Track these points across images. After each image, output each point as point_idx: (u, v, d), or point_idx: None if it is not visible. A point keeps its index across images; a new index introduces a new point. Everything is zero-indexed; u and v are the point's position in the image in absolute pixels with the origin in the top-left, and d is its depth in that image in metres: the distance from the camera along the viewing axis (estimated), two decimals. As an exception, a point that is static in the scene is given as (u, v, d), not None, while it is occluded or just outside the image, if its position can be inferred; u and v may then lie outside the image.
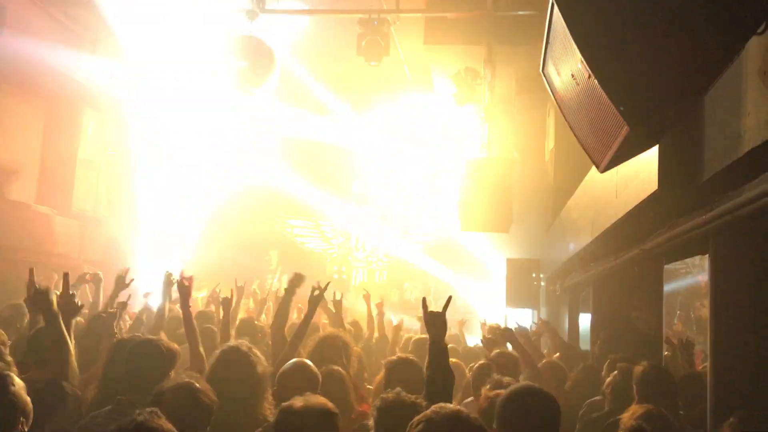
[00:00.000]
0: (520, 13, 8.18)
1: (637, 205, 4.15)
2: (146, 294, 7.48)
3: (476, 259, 13.60)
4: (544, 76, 3.03)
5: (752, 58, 2.59)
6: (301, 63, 10.62)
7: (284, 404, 2.57)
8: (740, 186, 3.07)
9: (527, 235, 12.03)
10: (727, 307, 3.81)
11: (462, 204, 10.79)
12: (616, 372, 4.10)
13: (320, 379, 3.32)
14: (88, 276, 6.46)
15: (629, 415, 3.39)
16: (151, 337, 3.75)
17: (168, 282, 5.05)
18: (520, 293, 11.55)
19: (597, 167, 2.98)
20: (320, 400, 2.62)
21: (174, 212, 12.40)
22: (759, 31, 2.44)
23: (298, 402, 2.54)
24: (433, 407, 2.14)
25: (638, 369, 3.95)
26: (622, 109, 2.31)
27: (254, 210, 14.22)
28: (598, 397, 4.44)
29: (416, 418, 2.10)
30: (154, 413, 2.12)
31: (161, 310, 5.33)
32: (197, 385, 2.80)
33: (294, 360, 3.44)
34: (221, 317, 5.04)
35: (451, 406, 2.20)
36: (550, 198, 10.21)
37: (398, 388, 2.80)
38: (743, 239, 3.69)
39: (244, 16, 8.42)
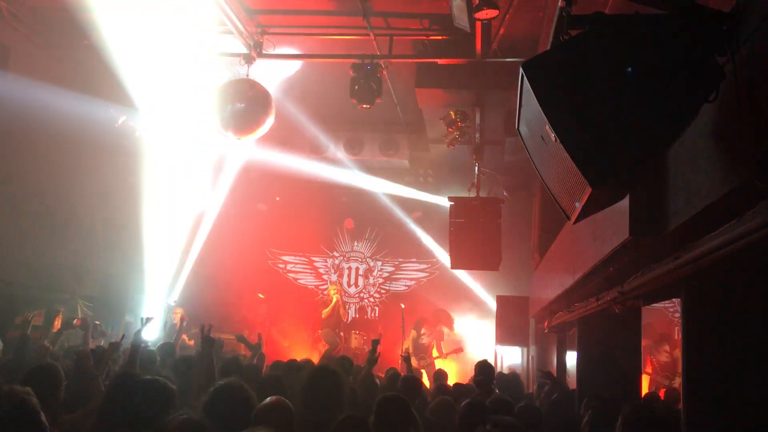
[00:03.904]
0: (507, 60, 8.48)
1: (613, 250, 4.37)
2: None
3: (467, 297, 13.76)
4: (519, 133, 3.26)
5: (705, 123, 2.83)
6: (295, 103, 10.89)
7: None
8: (702, 237, 3.29)
9: (517, 272, 12.25)
10: (699, 350, 4.00)
11: (453, 242, 11.03)
12: (591, 412, 4.27)
13: (293, 413, 3.49)
14: (76, 321, 6.64)
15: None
16: (151, 376, 3.90)
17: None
18: (510, 330, 11.72)
19: (568, 219, 3.20)
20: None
21: (166, 248, 12.57)
22: (710, 99, 2.69)
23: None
24: None
25: (622, 408, 4.10)
26: (585, 172, 2.52)
27: (245, 247, 14.38)
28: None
29: None
30: None
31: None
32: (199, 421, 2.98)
33: (272, 397, 3.60)
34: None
35: None
36: (537, 237, 10.42)
37: None
38: (712, 286, 3.89)
39: (241, 61, 8.73)
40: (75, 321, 6.83)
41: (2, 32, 8.37)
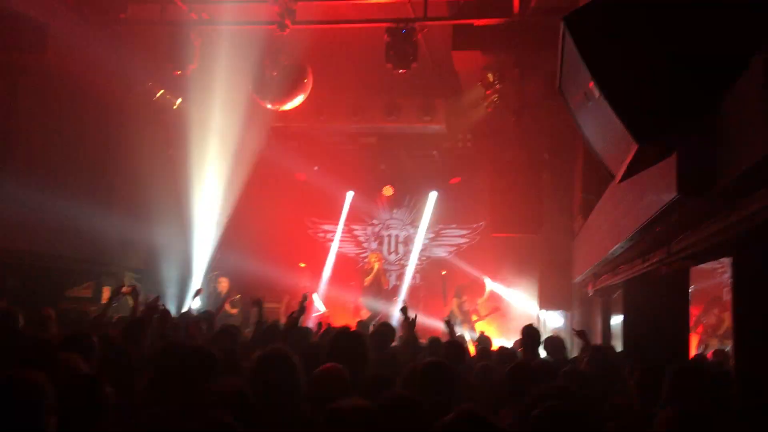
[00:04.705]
0: (547, 17, 8.24)
1: (660, 210, 4.24)
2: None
3: (509, 261, 13.65)
4: (561, 91, 3.16)
5: (756, 74, 2.68)
6: (331, 70, 10.81)
7: (332, 405, 2.70)
8: (753, 193, 3.16)
9: (559, 236, 12.08)
10: (750, 309, 3.89)
11: (493, 207, 10.92)
12: (638, 372, 4.19)
13: (348, 381, 3.46)
14: (125, 289, 6.74)
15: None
16: (198, 345, 3.95)
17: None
18: (552, 295, 11.64)
19: (613, 178, 3.10)
20: (363, 401, 2.77)
21: (208, 219, 12.72)
22: (762, 47, 2.55)
23: (344, 402, 2.68)
24: (455, 410, 2.25)
25: (669, 369, 4.00)
26: (631, 129, 2.43)
27: (285, 216, 14.47)
28: (621, 396, 4.52)
29: (436, 425, 2.20)
30: (227, 416, 2.25)
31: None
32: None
33: (328, 365, 3.59)
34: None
35: (471, 410, 2.28)
36: (579, 200, 10.25)
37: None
38: (764, 243, 3.76)
39: (276, 29, 8.67)
40: (124, 289, 6.94)
41: (39, 9, 8.44)
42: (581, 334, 7.49)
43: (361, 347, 4.11)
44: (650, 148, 2.68)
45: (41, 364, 2.91)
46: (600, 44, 2.53)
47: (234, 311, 11.69)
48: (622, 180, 3.06)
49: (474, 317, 12.72)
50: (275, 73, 8.44)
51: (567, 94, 3.07)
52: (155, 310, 5.54)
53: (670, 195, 3.92)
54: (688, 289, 5.72)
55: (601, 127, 2.79)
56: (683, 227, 4.52)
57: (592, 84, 2.56)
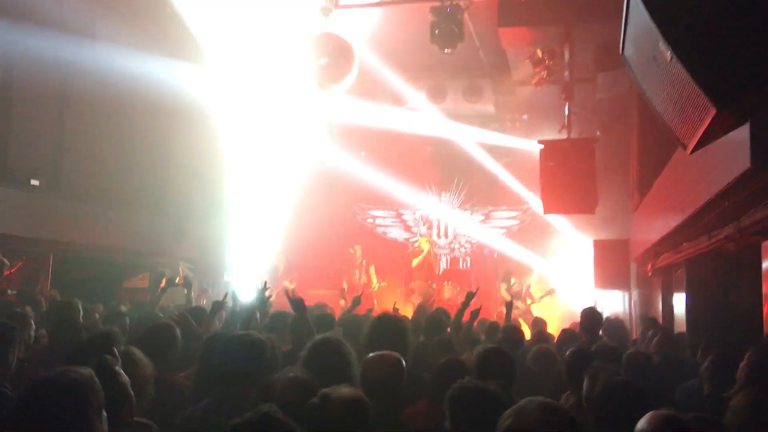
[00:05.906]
0: (598, -12, 7.93)
1: (730, 183, 3.99)
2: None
3: (562, 242, 13.35)
4: (624, 58, 2.95)
5: None
6: (375, 54, 10.67)
7: (322, 391, 2.57)
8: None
9: (614, 215, 11.74)
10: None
11: (544, 187, 10.62)
12: (712, 356, 3.97)
13: (404, 368, 3.33)
14: (178, 280, 6.78)
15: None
16: (242, 332, 3.88)
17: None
18: (609, 275, 11.30)
19: (684, 149, 2.89)
20: (354, 390, 2.65)
21: (259, 209, 12.78)
22: None
23: (331, 391, 2.56)
24: (523, 400, 2.13)
25: (747, 354, 3.77)
26: (708, 92, 2.23)
27: (334, 202, 14.43)
28: (692, 381, 4.32)
29: (505, 413, 2.09)
30: (273, 407, 2.17)
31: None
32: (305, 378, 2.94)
33: (380, 352, 3.48)
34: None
35: (540, 398, 2.18)
36: (636, 176, 9.90)
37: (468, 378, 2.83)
38: None
39: (319, 13, 8.57)
40: (177, 280, 7.00)
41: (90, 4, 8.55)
42: (652, 322, 7.19)
43: (401, 333, 3.98)
44: (726, 115, 2.46)
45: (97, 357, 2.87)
46: (671, 1, 2.33)
47: (292, 286, 11.67)
48: (694, 150, 2.85)
49: (528, 300, 12.50)
50: (322, 59, 8.34)
51: (631, 58, 2.86)
52: (220, 305, 5.50)
53: (742, 167, 3.68)
54: (761, 266, 5.41)
55: (670, 92, 2.59)
56: (756, 201, 4.26)
57: (661, 45, 2.36)
